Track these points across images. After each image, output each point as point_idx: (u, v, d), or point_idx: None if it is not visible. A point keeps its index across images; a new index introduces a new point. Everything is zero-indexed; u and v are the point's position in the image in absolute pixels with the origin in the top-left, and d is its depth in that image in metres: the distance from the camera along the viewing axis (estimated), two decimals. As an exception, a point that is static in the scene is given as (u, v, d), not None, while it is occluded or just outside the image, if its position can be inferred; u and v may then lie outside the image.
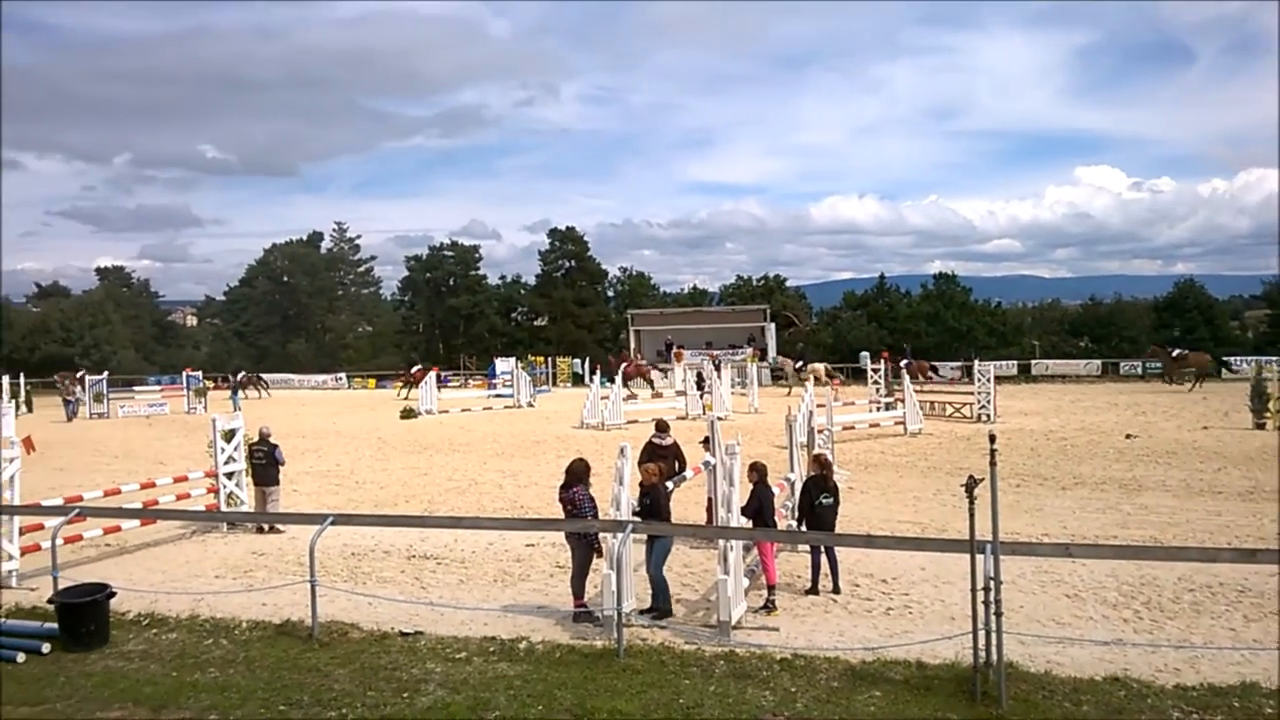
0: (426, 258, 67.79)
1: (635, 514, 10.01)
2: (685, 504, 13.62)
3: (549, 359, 51.61)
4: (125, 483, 15.26)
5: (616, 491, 9.82)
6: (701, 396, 31.52)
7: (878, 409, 27.56)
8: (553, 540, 12.27)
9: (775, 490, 11.02)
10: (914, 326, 56.89)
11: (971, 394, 28.78)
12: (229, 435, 14.97)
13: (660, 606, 9.72)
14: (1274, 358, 34.90)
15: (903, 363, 40.88)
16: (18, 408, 30.70)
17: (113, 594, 9.52)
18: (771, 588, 9.95)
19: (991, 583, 7.35)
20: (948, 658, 8.15)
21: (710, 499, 11.85)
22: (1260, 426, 23.62)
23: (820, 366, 40.93)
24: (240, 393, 41.19)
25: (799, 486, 11.69)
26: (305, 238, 76.16)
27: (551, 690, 7.76)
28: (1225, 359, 44.48)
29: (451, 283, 66.68)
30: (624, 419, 28.59)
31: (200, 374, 42.37)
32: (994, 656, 7.38)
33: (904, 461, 20.31)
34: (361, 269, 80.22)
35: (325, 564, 11.46)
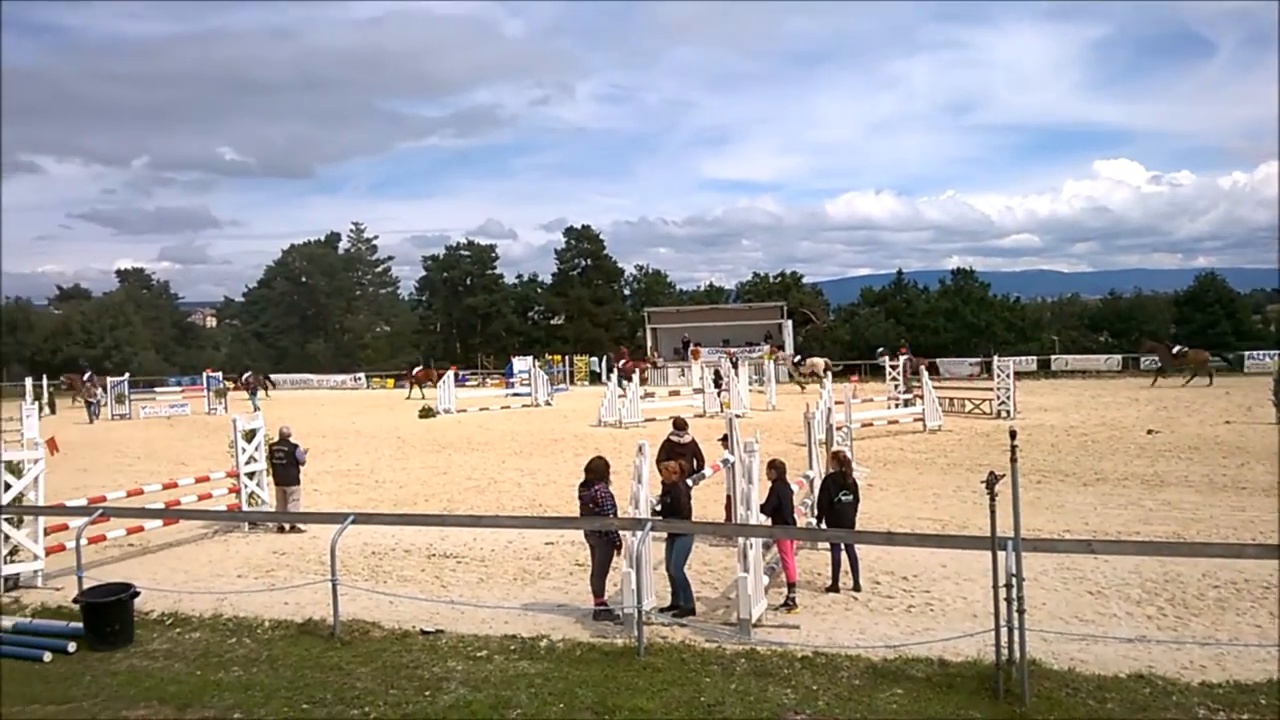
0: (443, 257, 68.05)
1: (656, 512, 10.02)
2: (704, 502, 13.60)
3: (566, 358, 51.68)
4: (148, 483, 15.37)
5: (635, 489, 9.82)
6: (719, 394, 31.49)
7: (896, 405, 27.45)
8: (572, 538, 12.28)
9: (794, 488, 10.99)
10: (932, 322, 56.66)
11: (991, 390, 28.63)
12: (250, 435, 15.06)
13: (681, 604, 9.72)
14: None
15: (901, 358, 40.78)
16: (40, 409, 30.96)
17: (136, 594, 9.60)
18: (792, 585, 9.93)
19: (1013, 579, 7.31)
20: (970, 655, 8.11)
21: (729, 497, 11.83)
22: (1284, 421, 23.37)
23: (820, 361, 40.72)
24: (246, 393, 41.24)
25: (818, 484, 11.66)
26: (323, 238, 76.71)
27: (572, 688, 7.77)
28: (1246, 353, 44.08)
29: (468, 282, 66.88)
30: (642, 417, 28.59)
31: (220, 375, 42.63)
32: (1016, 654, 7.34)
33: (923, 458, 20.23)
34: (379, 269, 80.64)
35: (346, 563, 11.52)
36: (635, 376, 32.05)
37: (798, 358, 41.99)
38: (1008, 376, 27.83)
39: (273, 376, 51.35)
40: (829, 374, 36.21)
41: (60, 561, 11.76)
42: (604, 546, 9.72)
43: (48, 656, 8.94)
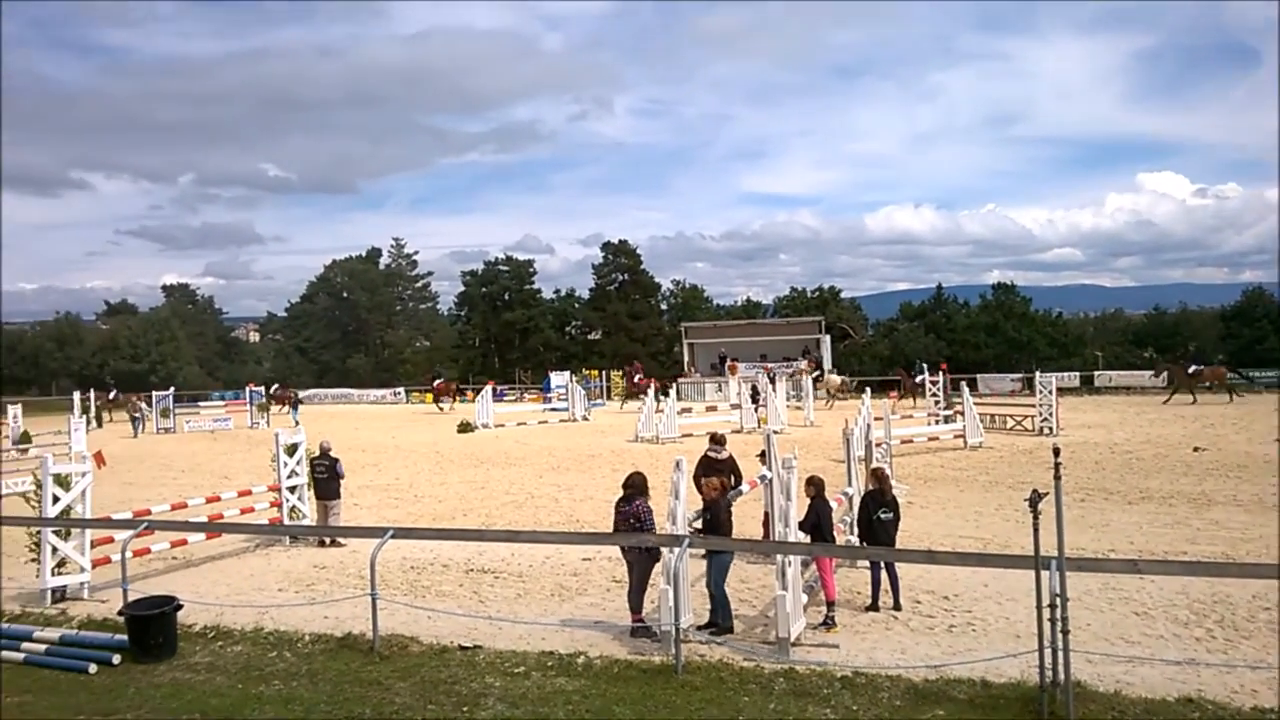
0: (482, 272, 68.55)
1: (696, 529, 9.99)
2: (741, 519, 13.52)
3: (603, 372, 51.77)
4: (191, 497, 15.58)
5: (673, 505, 9.79)
6: (756, 410, 31.37)
7: (936, 422, 27.20)
8: (609, 554, 12.27)
9: (833, 504, 10.91)
10: (973, 338, 56.11)
11: (1033, 406, 28.28)
12: (291, 450, 15.21)
13: (719, 622, 9.66)
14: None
15: (917, 379, 40.38)
16: (88, 423, 31.52)
17: (180, 606, 9.71)
18: (831, 604, 9.84)
19: (1058, 599, 7.20)
20: (1013, 676, 7.99)
21: (767, 513, 11.77)
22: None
23: (835, 379, 40.31)
24: (279, 405, 41.62)
25: (857, 501, 11.57)
26: (364, 254, 77.64)
27: (610, 706, 7.75)
28: None
29: (506, 297, 67.27)
30: (679, 432, 28.55)
31: (264, 389, 43.17)
32: (1061, 675, 7.22)
33: (964, 476, 20.00)
34: (419, 284, 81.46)
35: (385, 577, 11.58)
36: (651, 392, 31.98)
37: (816, 372, 41.65)
38: (1050, 393, 27.47)
39: (314, 391, 51.95)
40: (846, 393, 35.93)
41: (106, 574, 11.94)
42: (644, 562, 9.69)
43: (93, 668, 9.06)
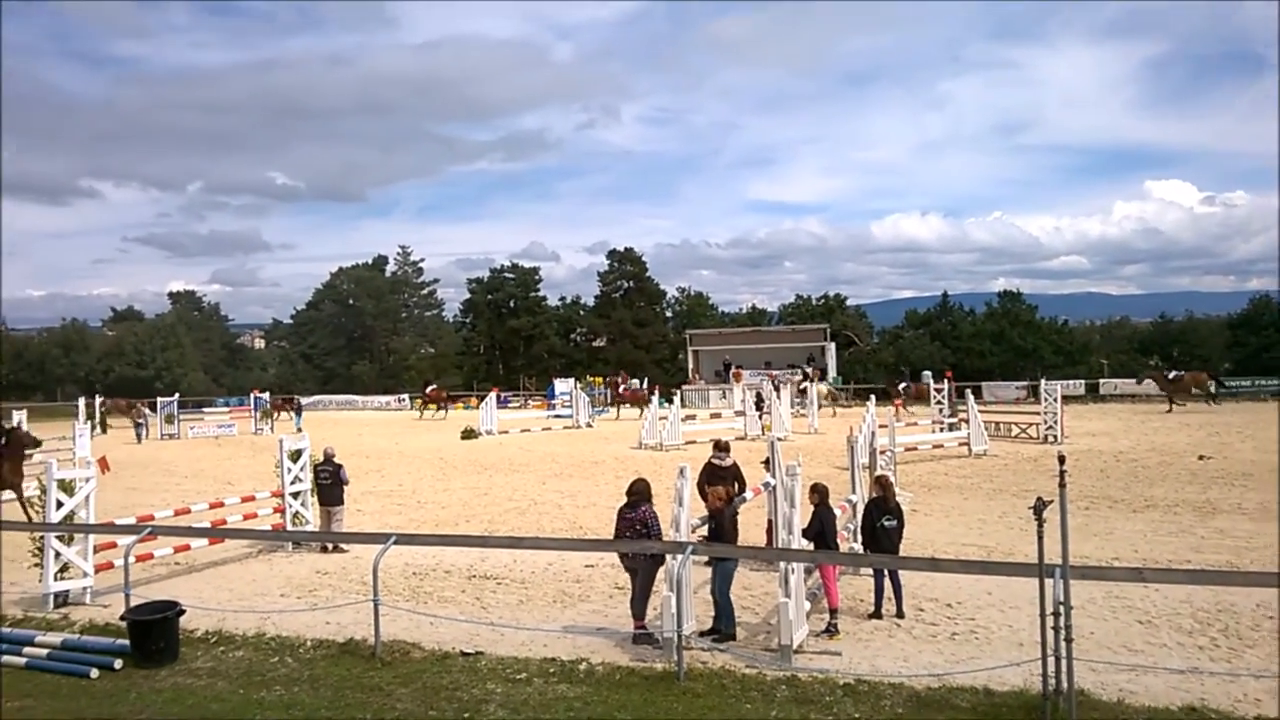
0: (487, 280, 68.61)
1: (702, 537, 9.97)
2: (745, 526, 13.48)
3: (607, 379, 51.77)
4: (194, 502, 15.58)
5: (676, 512, 9.78)
6: (760, 417, 31.35)
7: (941, 429, 27.15)
8: (612, 561, 12.23)
9: (837, 512, 10.89)
10: (978, 345, 56.03)
11: (1038, 414, 28.22)
12: (295, 456, 15.22)
13: (722, 629, 9.64)
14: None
15: (900, 386, 40.35)
16: (93, 429, 31.57)
17: (182, 612, 9.71)
18: (834, 611, 9.82)
19: (1061, 607, 7.17)
20: (1016, 684, 7.96)
21: (770, 521, 11.74)
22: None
23: (822, 387, 40.19)
24: (276, 414, 41.63)
25: (861, 509, 11.55)
26: (370, 261, 77.80)
27: (612, 713, 7.73)
28: None
29: (512, 304, 67.35)
30: (682, 440, 28.54)
31: (267, 396, 43.21)
32: (1064, 683, 7.19)
33: (969, 483, 19.96)
34: (424, 291, 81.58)
35: (387, 583, 11.57)
36: (653, 397, 32.03)
37: (803, 382, 41.60)
38: (1055, 400, 27.42)
39: (318, 398, 52.11)
40: (833, 401, 35.80)
41: (109, 579, 11.95)
42: (649, 568, 9.66)
43: (95, 673, 9.06)
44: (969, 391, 28.98)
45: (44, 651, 9.58)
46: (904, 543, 10.81)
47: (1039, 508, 7.26)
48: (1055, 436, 26.86)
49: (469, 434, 33.70)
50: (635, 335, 64.59)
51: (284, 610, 11.16)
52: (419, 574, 12.86)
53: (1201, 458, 22.34)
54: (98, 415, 40.11)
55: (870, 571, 10.70)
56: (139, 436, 36.71)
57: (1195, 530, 14.52)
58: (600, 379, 50.36)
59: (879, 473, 13.13)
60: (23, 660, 9.47)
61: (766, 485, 11.62)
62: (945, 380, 32.31)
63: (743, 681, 8.37)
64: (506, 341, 67.06)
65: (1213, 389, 37.28)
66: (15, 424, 20.64)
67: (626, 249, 67.58)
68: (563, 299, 70.80)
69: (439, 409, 46.17)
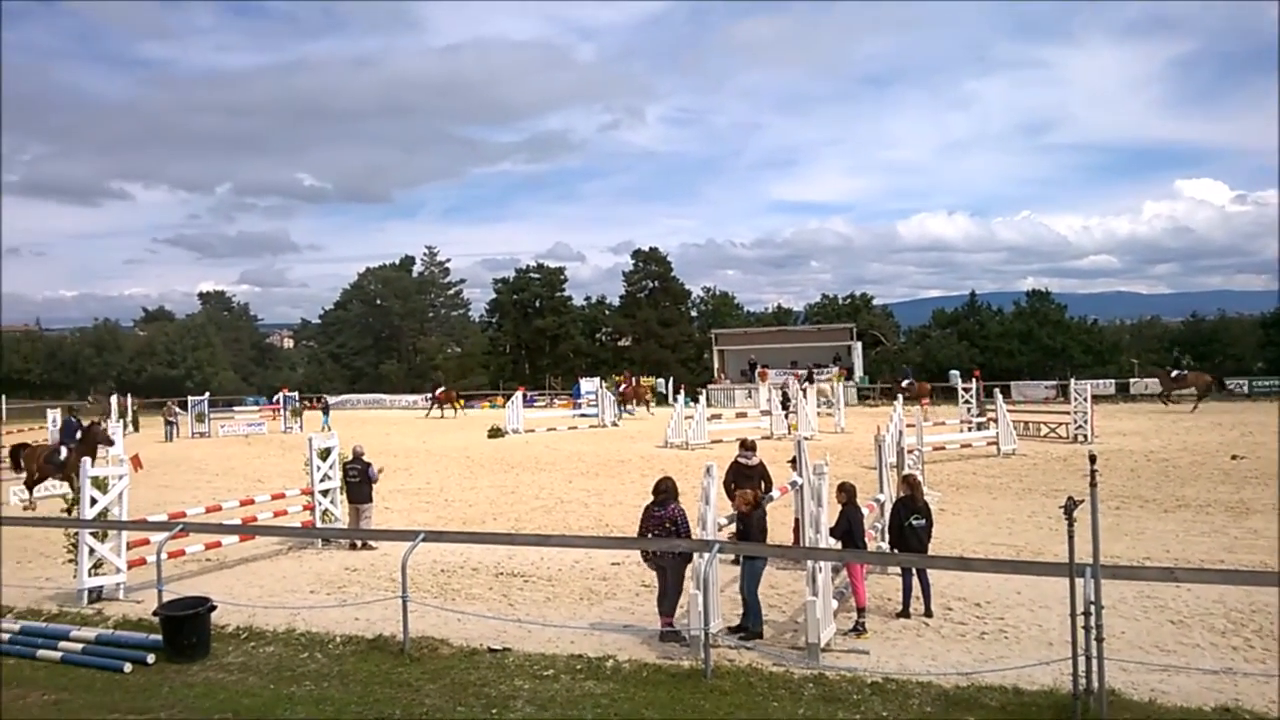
0: (513, 280, 68.79)
1: (730, 535, 9.97)
2: (772, 525, 13.45)
3: (635, 379, 51.80)
4: (225, 500, 15.74)
5: (703, 511, 9.78)
6: (786, 416, 31.27)
7: (969, 429, 26.97)
8: (638, 559, 12.25)
9: (865, 511, 10.85)
10: (1006, 345, 55.60)
11: (1067, 413, 27.98)
12: (325, 454, 15.34)
13: (750, 627, 9.63)
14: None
15: (904, 383, 40.09)
16: (125, 428, 31.94)
17: (213, 607, 9.81)
18: (861, 610, 9.78)
19: (1092, 607, 7.11)
20: (1045, 684, 7.91)
21: (797, 519, 11.72)
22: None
23: (825, 386, 39.95)
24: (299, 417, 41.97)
25: (889, 508, 11.50)
26: (397, 262, 78.22)
27: (639, 710, 7.74)
28: None
29: (537, 304, 67.51)
30: (708, 439, 28.51)
31: (297, 394, 43.54)
32: (1095, 683, 7.13)
33: (997, 483, 19.82)
34: (451, 292, 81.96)
35: (415, 580, 11.63)
36: (636, 402, 32.10)
37: (805, 383, 41.45)
38: (1085, 400, 27.17)
39: (346, 397, 52.65)
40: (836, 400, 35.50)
41: (141, 575, 12.09)
42: (678, 566, 9.64)
43: (128, 667, 9.18)
44: (997, 391, 28.75)
45: (79, 646, 9.71)
46: (932, 542, 10.76)
47: (1069, 507, 7.20)
48: (1085, 436, 26.62)
49: (496, 433, 33.84)
50: (660, 335, 64.56)
51: (314, 606, 11.26)
52: (447, 571, 12.93)
53: (1234, 457, 22.07)
54: (129, 414, 40.59)
55: (898, 570, 10.65)
56: (169, 435, 37.11)
57: (1228, 530, 14.35)
58: (650, 380, 50.42)
59: (907, 472, 13.07)
60: (58, 654, 9.61)
61: (793, 484, 11.61)
62: (973, 380, 32.06)
63: (770, 679, 8.36)
64: (532, 341, 67.23)
65: (1214, 390, 37.11)
66: (96, 420, 21.13)
67: (651, 249, 67.62)
68: (588, 299, 70.97)
69: (448, 408, 46.94)
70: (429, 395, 48.95)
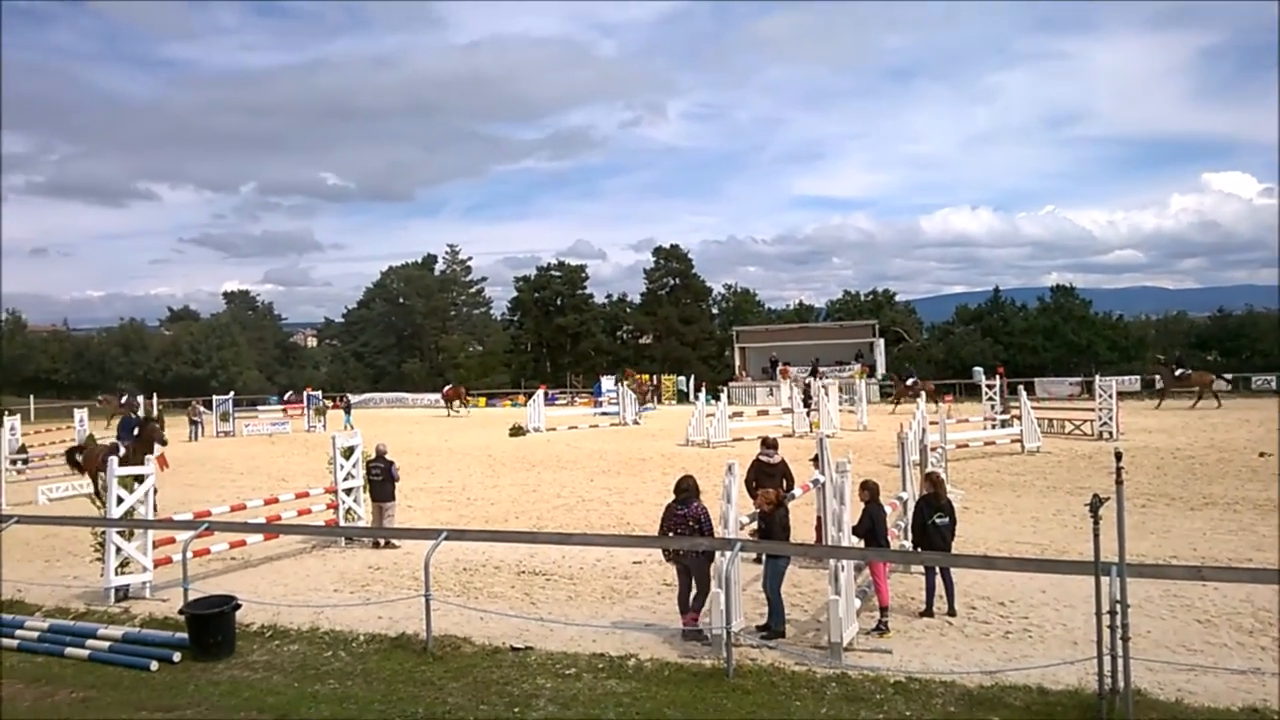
0: (534, 278, 68.93)
1: (751, 533, 9.95)
2: (794, 523, 13.44)
3: (654, 376, 51.81)
4: (250, 498, 15.85)
5: (725, 509, 9.76)
6: (808, 414, 31.18)
7: (993, 426, 26.82)
8: (660, 558, 12.25)
9: (888, 509, 10.81)
10: (1030, 341, 55.20)
11: (1092, 410, 27.75)
12: (348, 453, 15.42)
13: (773, 626, 9.61)
14: None
15: (908, 382, 39.88)
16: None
17: (238, 606, 9.88)
18: (884, 609, 9.74)
19: (1118, 606, 7.05)
20: (1070, 684, 7.85)
21: (819, 518, 11.68)
22: None
23: (812, 381, 39.71)
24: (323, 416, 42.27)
25: (912, 506, 11.44)
26: (420, 260, 78.44)
27: (661, 708, 7.74)
28: None
29: (559, 302, 67.59)
30: (729, 436, 28.47)
31: (320, 393, 43.81)
32: (1120, 683, 7.07)
33: (1021, 480, 19.69)
34: (473, 290, 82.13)
35: (438, 578, 11.68)
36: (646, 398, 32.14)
37: (808, 380, 41.35)
38: (1110, 396, 26.95)
39: (369, 396, 53.14)
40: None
41: (168, 574, 12.20)
42: (702, 564, 9.61)
43: (154, 665, 9.26)
44: (1021, 388, 28.56)
45: (106, 644, 9.81)
46: (956, 540, 10.71)
47: (1095, 505, 7.15)
48: (1110, 433, 26.41)
49: (517, 431, 33.92)
50: (681, 332, 64.48)
51: (337, 605, 11.33)
52: (469, 569, 12.97)
53: (1262, 454, 21.81)
54: (156, 413, 40.93)
55: (921, 569, 10.60)
56: (194, 435, 37.40)
57: (1256, 528, 14.19)
58: (647, 375, 50.45)
59: (930, 470, 13.00)
60: (86, 652, 9.72)
61: (815, 482, 11.58)
62: (997, 377, 31.86)
63: (792, 679, 8.34)
64: (553, 339, 67.34)
65: (1215, 390, 36.83)
66: (153, 417, 21.32)
67: (672, 246, 67.47)
68: (609, 296, 70.93)
69: (461, 405, 47.66)
70: (445, 393, 49.54)
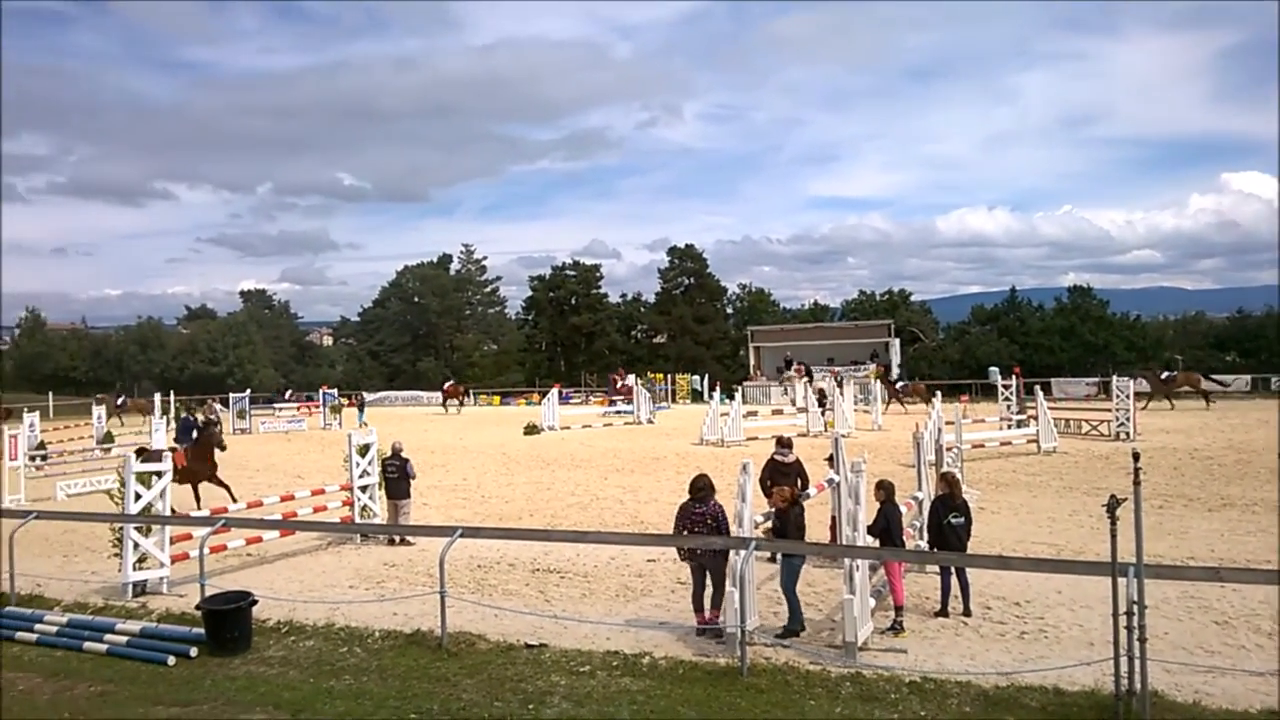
0: (549, 277, 69.04)
1: (765, 532, 9.93)
2: (808, 523, 13.42)
3: (668, 376, 51.79)
4: (266, 495, 15.91)
5: (739, 508, 9.75)
6: (823, 413, 31.11)
7: (1009, 426, 26.69)
8: (674, 556, 12.25)
9: (903, 509, 10.78)
10: (1047, 341, 54.95)
11: (1109, 411, 27.59)
12: (363, 450, 15.48)
13: (790, 626, 9.59)
14: None
15: (898, 385, 39.76)
16: (167, 424, 32.40)
17: (254, 602, 9.94)
18: (899, 609, 9.71)
19: (1135, 607, 7.01)
20: (1086, 685, 7.81)
21: (834, 517, 11.65)
22: None
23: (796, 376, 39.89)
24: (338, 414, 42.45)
25: (927, 506, 11.41)
26: (435, 260, 78.69)
27: (675, 707, 7.74)
28: None
29: (573, 301, 67.68)
30: (744, 435, 28.44)
31: (335, 391, 43.98)
32: (1137, 684, 7.03)
33: (1038, 481, 19.60)
34: (488, 289, 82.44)
35: (452, 576, 11.71)
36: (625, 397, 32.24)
37: (806, 378, 41.33)
38: (1127, 397, 26.78)
39: (384, 394, 53.49)
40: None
41: (184, 569, 12.27)
42: (719, 562, 9.60)
43: (171, 660, 9.32)
44: (1038, 388, 28.42)
45: (124, 639, 9.89)
46: (971, 540, 10.66)
47: (1112, 505, 7.11)
48: (1127, 433, 26.25)
49: (531, 429, 33.96)
50: (696, 332, 64.47)
51: (353, 601, 11.37)
52: (483, 567, 13.00)
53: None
54: (173, 411, 41.17)
55: (936, 569, 10.57)
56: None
57: (1275, 530, 14.07)
58: (662, 375, 50.44)
59: (945, 470, 12.96)
60: (104, 647, 9.79)
61: (830, 482, 11.55)
62: (1014, 377, 31.71)
63: (807, 678, 8.32)
64: (568, 338, 67.44)
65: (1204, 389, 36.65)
66: (215, 422, 21.24)
67: (687, 246, 67.51)
68: (624, 296, 71.01)
69: (460, 402, 48.08)
70: (445, 390, 49.94)
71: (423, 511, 16.91)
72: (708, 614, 9.70)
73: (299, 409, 43.77)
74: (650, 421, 37.61)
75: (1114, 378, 29.20)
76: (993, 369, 43.85)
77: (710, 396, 33.64)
